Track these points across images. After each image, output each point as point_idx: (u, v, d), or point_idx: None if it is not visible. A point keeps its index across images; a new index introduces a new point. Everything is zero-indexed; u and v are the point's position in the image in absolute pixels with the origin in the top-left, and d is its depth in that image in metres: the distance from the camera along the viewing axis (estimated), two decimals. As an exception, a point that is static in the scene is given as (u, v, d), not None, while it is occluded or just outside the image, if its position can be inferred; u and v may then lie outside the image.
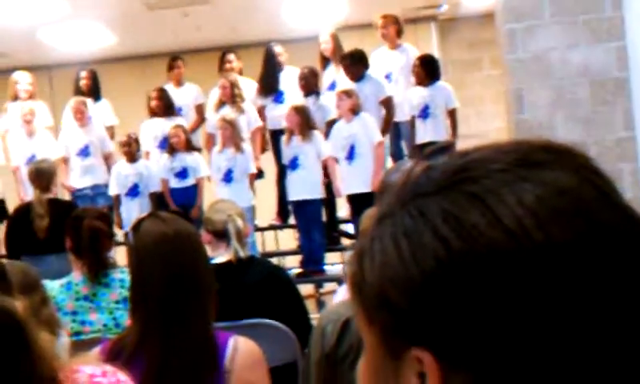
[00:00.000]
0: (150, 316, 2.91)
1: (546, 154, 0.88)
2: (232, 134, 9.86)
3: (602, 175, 0.90)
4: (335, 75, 10.52)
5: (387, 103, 9.95)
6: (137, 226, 3.07)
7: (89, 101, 11.09)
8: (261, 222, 10.99)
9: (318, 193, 9.72)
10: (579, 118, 7.35)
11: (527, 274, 0.82)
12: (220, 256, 4.96)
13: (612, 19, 7.35)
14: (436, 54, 12.62)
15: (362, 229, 4.13)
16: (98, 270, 4.71)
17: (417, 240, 0.85)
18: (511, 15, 7.42)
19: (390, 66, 10.38)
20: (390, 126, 9.93)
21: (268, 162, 10.89)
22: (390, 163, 9.55)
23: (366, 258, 0.90)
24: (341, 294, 4.62)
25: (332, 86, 10.42)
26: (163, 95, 10.98)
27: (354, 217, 9.28)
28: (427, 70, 9.87)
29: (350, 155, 9.40)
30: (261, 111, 10.79)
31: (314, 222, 9.77)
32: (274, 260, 10.58)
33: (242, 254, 4.97)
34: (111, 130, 11.42)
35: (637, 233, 0.87)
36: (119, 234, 10.47)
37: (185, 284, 2.91)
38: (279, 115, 10.37)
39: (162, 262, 2.91)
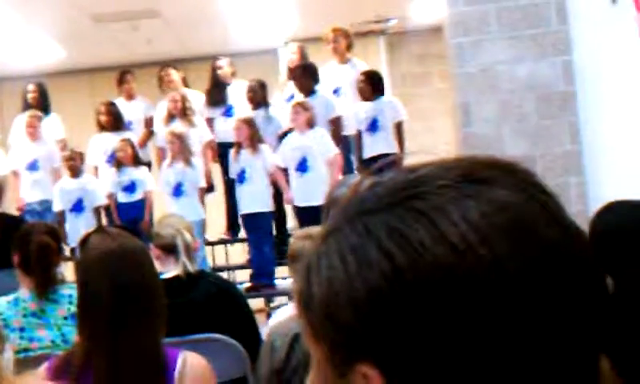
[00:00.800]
0: (97, 332, 2.88)
1: (490, 171, 0.89)
2: (181, 148, 9.82)
3: (546, 191, 0.91)
4: (295, 89, 10.49)
5: (336, 122, 9.94)
6: (84, 242, 3.05)
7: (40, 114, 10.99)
8: (211, 236, 10.95)
9: (268, 206, 9.70)
10: (526, 131, 7.41)
11: (471, 289, 0.83)
12: (169, 271, 4.94)
13: (558, 33, 7.44)
14: (385, 68, 12.69)
15: (291, 250, 4.12)
16: (47, 287, 4.66)
17: (363, 256, 0.86)
18: (459, 29, 7.48)
19: (339, 81, 10.37)
20: (340, 145, 9.93)
21: (218, 176, 10.86)
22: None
23: (312, 274, 0.91)
24: (286, 310, 4.61)
25: (291, 98, 10.40)
26: (112, 109, 10.91)
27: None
28: (372, 86, 9.89)
29: (301, 167, 9.39)
30: (209, 124, 10.77)
31: (264, 235, 9.75)
32: (225, 274, 10.55)
33: (190, 268, 4.95)
34: (62, 144, 11.32)
35: (578, 249, 0.88)
36: (66, 250, 10.39)
37: (132, 299, 2.88)
38: (227, 129, 10.36)
39: (109, 278, 2.89)
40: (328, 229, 0.92)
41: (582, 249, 0.89)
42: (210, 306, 4.84)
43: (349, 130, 10.13)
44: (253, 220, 9.70)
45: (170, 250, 4.98)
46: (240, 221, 10.22)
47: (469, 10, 7.44)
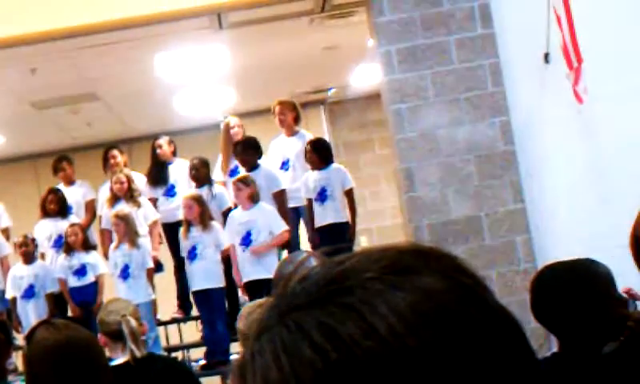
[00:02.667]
0: None
1: (415, 260, 0.91)
2: (126, 230, 9.79)
3: (470, 275, 0.93)
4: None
5: (280, 196, 9.95)
6: (30, 335, 3.02)
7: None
8: (163, 315, 10.87)
9: (219, 282, 9.68)
10: (469, 192, 7.49)
11: (402, 378, 0.84)
12: (118, 357, 4.90)
13: (494, 95, 7.55)
14: (327, 136, 12.76)
15: (240, 327, 4.11)
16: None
17: (295, 353, 0.87)
18: (396, 96, 7.56)
19: (288, 153, 10.39)
20: (287, 218, 9.94)
21: (166, 255, 10.81)
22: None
23: (248, 373, 0.91)
24: None
25: (235, 171, 10.39)
26: (59, 196, 10.86)
27: (252, 303, 9.23)
28: (320, 154, 9.93)
29: (245, 241, 9.39)
30: (152, 204, 10.73)
31: (217, 311, 9.71)
32: (179, 354, 10.47)
33: (138, 353, 4.91)
34: (6, 233, 11.22)
35: (504, 330, 0.90)
36: (19, 338, 10.26)
37: None
38: (172, 208, 10.34)
39: (55, 371, 2.86)
40: (260, 326, 0.93)
41: (511, 330, 0.91)
42: None
43: (298, 201, 10.14)
44: (205, 297, 9.66)
45: (116, 336, 4.94)
46: (192, 298, 10.17)
47: (405, 77, 7.53)
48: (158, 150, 10.83)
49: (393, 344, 0.85)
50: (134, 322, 4.95)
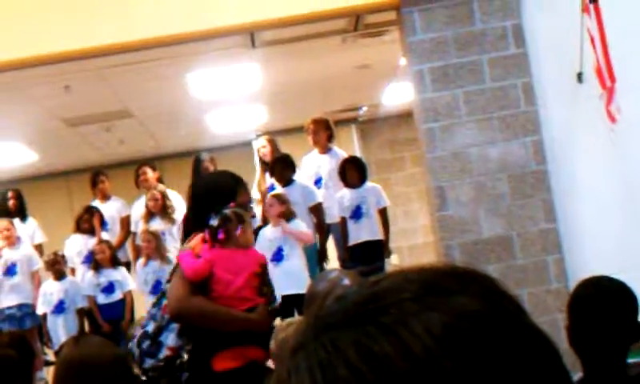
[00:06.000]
0: None
1: (451, 280, 0.91)
2: (157, 246, 9.84)
3: (506, 296, 0.93)
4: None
5: (317, 210, 9.98)
6: (60, 348, 3.05)
7: (16, 220, 11.01)
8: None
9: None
10: (501, 212, 7.46)
11: None
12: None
13: (526, 114, 7.53)
14: (358, 154, 12.76)
15: (275, 343, 4.11)
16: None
17: (331, 373, 0.87)
18: (429, 115, 7.56)
19: (320, 170, 10.43)
20: (324, 232, 9.97)
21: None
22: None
23: (284, 390, 0.92)
24: None
25: (271, 189, 10.45)
26: (93, 216, 10.96)
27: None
28: (358, 172, 9.97)
29: (276, 257, 9.40)
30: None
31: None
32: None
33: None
34: (39, 248, 11.33)
35: (540, 352, 0.90)
36: (50, 354, 10.33)
37: None
38: (214, 224, 10.38)
39: None
40: (296, 343, 0.93)
41: (547, 352, 0.91)
42: None
43: (330, 218, 10.16)
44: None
45: None
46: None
47: (437, 96, 7.53)
48: (202, 167, 10.85)
49: (428, 365, 0.85)
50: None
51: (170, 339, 4.88)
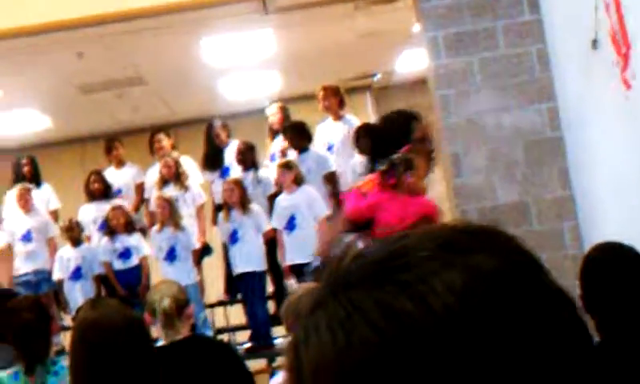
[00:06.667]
0: None
1: (471, 238, 0.91)
2: (171, 212, 9.87)
3: (526, 255, 0.93)
4: (277, 147, 10.57)
5: (331, 178, 9.97)
6: (78, 311, 3.06)
7: (31, 186, 11.07)
8: (211, 298, 10.95)
9: (259, 265, 9.71)
10: (516, 179, 7.45)
11: (458, 357, 0.84)
12: (164, 337, 4.95)
13: (541, 80, 7.50)
14: (372, 122, 12.72)
15: (286, 309, 4.11)
16: (33, 364, 4.61)
17: (351, 330, 0.87)
18: (443, 81, 7.53)
19: (333, 137, 10.43)
20: (336, 199, 9.97)
21: (218, 238, 10.88)
22: None
23: (301, 349, 0.92)
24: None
25: (272, 158, 10.48)
26: (101, 178, 11.02)
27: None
28: (372, 140, 9.92)
29: (290, 225, 9.42)
30: (209, 187, 10.83)
31: (255, 295, 9.75)
32: (225, 336, 10.53)
33: (167, 337, 4.94)
34: (55, 214, 11.38)
35: (560, 310, 0.90)
36: (66, 319, 10.39)
37: (109, 370, 2.82)
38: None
39: (84, 348, 2.86)
40: (314, 302, 0.93)
41: (568, 311, 0.91)
42: (205, 368, 4.84)
43: (344, 185, 10.16)
44: (245, 280, 9.71)
45: (156, 315, 4.98)
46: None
47: (452, 62, 7.50)
48: (217, 140, 10.86)
49: (449, 323, 0.85)
50: (166, 303, 4.96)
51: None
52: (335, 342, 0.88)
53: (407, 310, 0.86)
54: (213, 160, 10.90)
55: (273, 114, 10.80)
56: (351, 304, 0.88)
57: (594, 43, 7.45)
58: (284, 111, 10.81)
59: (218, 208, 10.72)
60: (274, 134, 10.75)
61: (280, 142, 10.61)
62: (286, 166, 9.54)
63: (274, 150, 10.60)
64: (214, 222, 10.83)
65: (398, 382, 0.85)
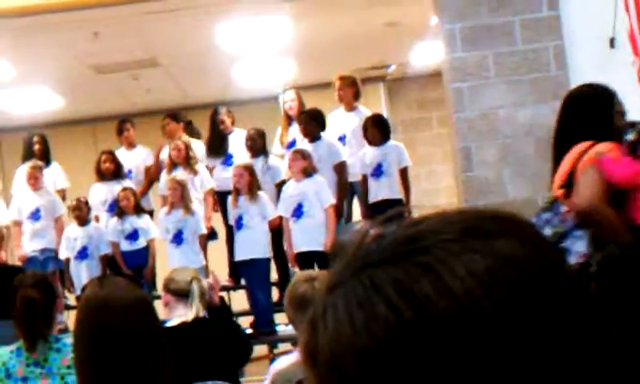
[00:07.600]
0: (90, 381, 2.84)
1: (493, 224, 0.90)
2: (182, 195, 9.87)
3: (546, 241, 0.92)
4: (297, 134, 10.52)
5: (340, 168, 9.95)
6: (83, 290, 3.06)
7: (41, 164, 11.08)
8: (213, 283, 10.95)
9: (263, 252, 9.71)
10: (526, 175, 7.43)
11: (475, 341, 0.83)
12: (176, 317, 4.96)
13: (557, 78, 7.47)
14: (385, 113, 12.72)
15: (293, 295, 4.10)
16: (35, 340, 4.61)
17: (370, 310, 0.87)
18: (457, 75, 7.52)
19: (345, 128, 10.41)
20: (345, 191, 9.96)
21: (221, 223, 10.89)
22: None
23: (318, 327, 0.91)
24: (290, 357, 4.61)
25: (293, 144, 10.44)
26: (113, 158, 11.02)
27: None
28: (380, 130, 9.92)
29: (297, 213, 9.41)
30: (211, 172, 10.82)
31: (258, 282, 9.75)
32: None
33: (202, 313, 5.00)
34: (62, 193, 11.39)
35: (578, 300, 0.89)
36: (70, 298, 10.41)
37: (119, 349, 2.80)
38: (227, 177, 10.37)
39: (90, 327, 2.85)
40: (333, 281, 0.93)
41: (586, 301, 0.90)
42: (219, 349, 4.88)
43: (352, 176, 10.15)
44: (248, 266, 9.72)
45: (182, 295, 5.01)
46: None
47: (467, 56, 7.48)
48: (221, 126, 10.85)
49: (468, 305, 0.84)
50: (205, 283, 5.05)
51: (578, 245, 4.45)
52: (353, 322, 0.88)
53: (426, 292, 0.85)
54: (217, 146, 10.89)
55: (292, 100, 10.73)
56: (370, 283, 0.88)
57: (612, 42, 7.44)
58: (300, 98, 10.79)
59: (219, 194, 10.71)
60: (289, 120, 10.70)
61: (295, 129, 10.58)
62: (301, 153, 9.51)
63: (293, 136, 10.53)
64: (215, 208, 10.84)
65: (415, 364, 0.84)
